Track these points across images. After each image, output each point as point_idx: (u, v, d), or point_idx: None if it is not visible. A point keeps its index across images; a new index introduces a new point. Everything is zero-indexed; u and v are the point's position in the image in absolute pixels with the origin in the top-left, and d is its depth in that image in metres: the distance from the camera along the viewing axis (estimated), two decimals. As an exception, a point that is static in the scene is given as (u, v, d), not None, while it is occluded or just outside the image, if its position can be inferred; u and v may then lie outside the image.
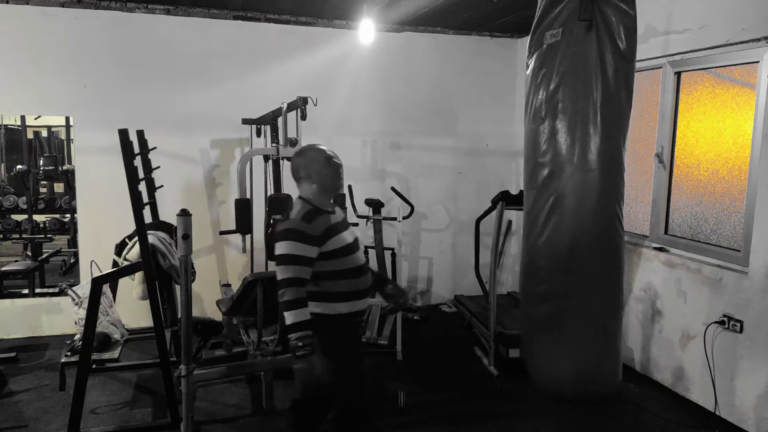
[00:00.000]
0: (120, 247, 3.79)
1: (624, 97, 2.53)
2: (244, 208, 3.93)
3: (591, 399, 3.40)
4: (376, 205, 4.97)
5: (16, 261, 5.11)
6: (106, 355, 3.46)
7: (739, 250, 3.34)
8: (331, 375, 2.21)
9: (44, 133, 5.99)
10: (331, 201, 2.44)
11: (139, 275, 3.52)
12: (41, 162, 5.48)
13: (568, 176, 2.53)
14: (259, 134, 4.71)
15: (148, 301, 3.20)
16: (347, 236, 2.39)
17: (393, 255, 5.02)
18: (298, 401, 2.56)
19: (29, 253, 5.36)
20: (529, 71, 2.67)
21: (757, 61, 3.18)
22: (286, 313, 2.19)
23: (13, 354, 4.17)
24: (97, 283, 3.07)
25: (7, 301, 4.68)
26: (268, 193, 4.43)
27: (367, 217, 4.97)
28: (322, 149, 2.39)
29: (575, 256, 2.56)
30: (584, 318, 2.60)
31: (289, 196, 4.07)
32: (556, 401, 3.47)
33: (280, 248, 2.23)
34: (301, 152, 2.42)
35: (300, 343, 2.15)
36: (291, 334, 2.17)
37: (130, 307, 4.26)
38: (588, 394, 3.01)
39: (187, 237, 2.76)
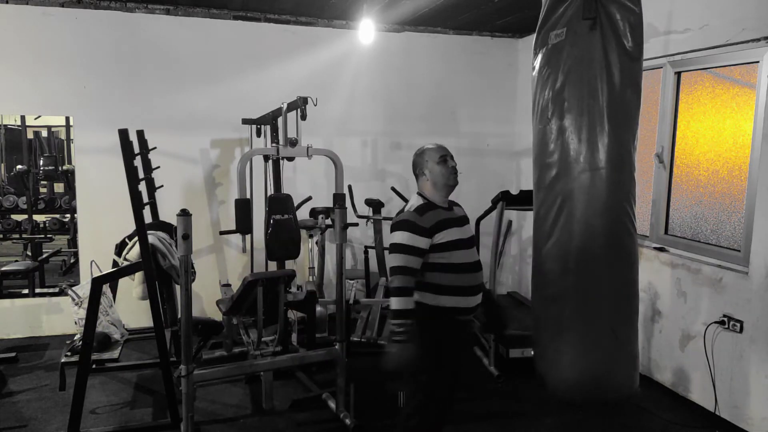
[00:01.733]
0: (120, 247, 3.79)
1: (631, 96, 2.51)
2: (244, 208, 3.93)
3: (602, 404, 3.35)
4: (376, 205, 4.97)
5: (16, 261, 5.10)
6: (106, 355, 3.46)
7: (739, 250, 3.34)
8: (415, 367, 2.30)
9: (44, 133, 5.98)
10: (446, 198, 2.53)
11: (139, 275, 3.52)
12: (41, 162, 5.48)
13: (575, 176, 2.51)
14: (259, 134, 4.71)
15: (148, 301, 3.20)
16: (459, 233, 2.45)
17: (393, 255, 5.02)
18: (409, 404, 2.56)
19: (29, 253, 5.35)
20: (534, 72, 2.66)
21: (757, 61, 3.18)
22: (392, 299, 2.30)
23: (13, 354, 4.18)
24: (97, 283, 3.07)
25: (7, 301, 4.69)
26: (268, 193, 4.43)
27: (367, 217, 4.97)
28: (439, 148, 2.51)
29: (583, 258, 2.54)
30: (593, 321, 2.57)
31: (288, 196, 4.08)
32: (562, 404, 3.47)
33: (394, 238, 2.36)
34: (419, 151, 2.54)
35: (398, 329, 2.26)
36: (394, 319, 2.29)
37: (130, 307, 4.26)
38: (598, 400, 2.99)
39: (187, 237, 2.76)
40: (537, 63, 2.64)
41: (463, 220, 2.55)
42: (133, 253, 3.57)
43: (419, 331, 2.37)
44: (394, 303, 2.29)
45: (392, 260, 2.35)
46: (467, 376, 2.60)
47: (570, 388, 2.66)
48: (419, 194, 2.51)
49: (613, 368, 2.61)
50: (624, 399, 2.97)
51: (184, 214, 2.76)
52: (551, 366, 2.68)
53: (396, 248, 2.34)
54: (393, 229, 2.39)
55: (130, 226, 3.25)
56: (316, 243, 4.73)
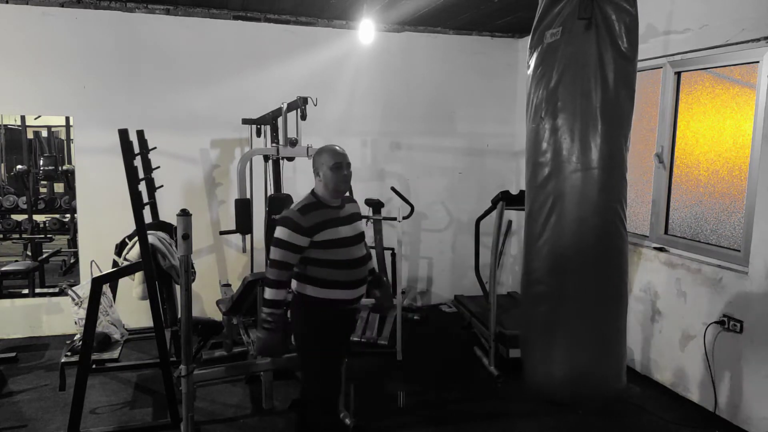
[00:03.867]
0: (120, 247, 3.79)
1: (624, 96, 2.51)
2: (244, 208, 3.93)
3: (589, 404, 3.38)
4: (376, 205, 4.97)
5: (16, 261, 5.10)
6: (106, 355, 3.46)
7: (739, 250, 3.34)
8: (284, 352, 2.63)
9: (44, 133, 5.99)
10: (339, 198, 2.64)
11: (139, 275, 3.52)
12: (41, 162, 5.48)
13: (567, 176, 2.52)
14: (259, 134, 4.71)
15: (148, 301, 3.20)
16: (346, 230, 2.60)
17: (393, 255, 5.02)
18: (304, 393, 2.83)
19: (29, 253, 5.36)
20: (529, 71, 2.67)
21: (757, 61, 3.18)
22: (266, 289, 2.50)
23: (13, 354, 4.18)
24: (97, 283, 3.07)
25: (7, 301, 4.68)
26: (268, 193, 4.43)
27: (367, 217, 4.96)
28: (335, 153, 2.60)
29: (574, 257, 2.55)
30: (580, 319, 2.58)
31: (288, 196, 4.07)
32: (548, 403, 3.48)
33: (276, 233, 2.51)
34: (320, 151, 2.64)
35: (269, 318, 2.48)
36: (265, 308, 2.50)
37: (130, 307, 4.26)
38: (585, 399, 3.00)
39: (187, 237, 2.76)
40: (532, 62, 2.64)
41: (353, 218, 2.68)
42: (133, 253, 3.57)
43: (305, 318, 2.60)
44: (268, 293, 2.48)
45: (271, 253, 2.51)
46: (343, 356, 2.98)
47: (558, 386, 2.67)
48: (312, 192, 2.63)
49: (602, 367, 2.63)
50: (611, 398, 2.97)
51: (184, 214, 2.76)
52: (539, 364, 2.69)
53: (275, 242, 2.49)
54: (277, 224, 2.54)
55: (130, 226, 3.25)
56: (316, 243, 4.72)
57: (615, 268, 2.60)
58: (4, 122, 5.87)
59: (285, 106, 3.97)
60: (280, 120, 4.05)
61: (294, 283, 2.64)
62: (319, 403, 2.69)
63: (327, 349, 2.64)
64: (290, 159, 4.32)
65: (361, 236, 2.69)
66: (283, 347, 2.61)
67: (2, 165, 6.03)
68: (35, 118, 5.58)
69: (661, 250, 3.85)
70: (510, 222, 5.77)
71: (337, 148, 2.63)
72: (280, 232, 2.49)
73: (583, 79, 2.45)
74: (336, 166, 2.56)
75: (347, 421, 3.27)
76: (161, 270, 3.52)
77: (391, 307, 3.12)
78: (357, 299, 2.68)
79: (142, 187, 3.31)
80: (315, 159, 2.63)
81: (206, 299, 4.88)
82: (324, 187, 2.58)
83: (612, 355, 2.65)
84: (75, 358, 3.21)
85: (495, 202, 4.08)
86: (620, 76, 2.47)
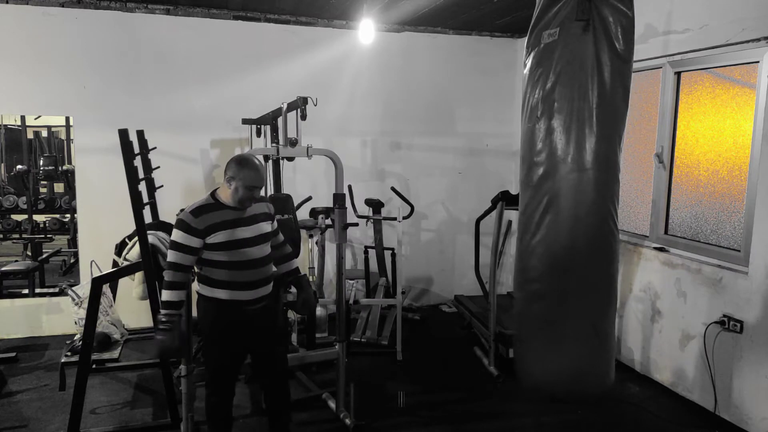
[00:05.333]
0: (120, 247, 3.78)
1: (620, 98, 2.53)
2: (244, 208, 3.91)
3: (580, 399, 3.40)
4: (376, 205, 4.97)
5: (16, 261, 5.10)
6: (106, 355, 3.46)
7: (739, 250, 3.34)
8: (178, 353, 2.67)
9: (44, 133, 5.98)
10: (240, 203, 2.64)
11: (139, 275, 3.52)
12: (41, 162, 5.47)
13: (562, 176, 2.54)
14: (259, 134, 4.71)
15: (148, 301, 3.20)
16: (244, 232, 2.60)
17: (393, 255, 5.03)
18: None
19: (29, 253, 5.35)
20: (526, 70, 2.68)
21: (757, 61, 3.18)
22: (163, 291, 2.55)
23: (13, 354, 4.18)
24: (97, 283, 3.07)
25: (7, 301, 4.68)
26: (268, 193, 4.42)
27: (367, 217, 4.97)
28: (256, 176, 2.58)
29: (569, 256, 2.57)
30: (574, 317, 2.61)
31: (289, 196, 4.07)
32: (547, 402, 3.48)
33: (172, 235, 2.58)
34: (243, 163, 2.59)
35: (164, 319, 2.51)
36: (162, 309, 2.54)
37: (130, 307, 4.26)
38: (577, 394, 3.04)
39: (187, 237, 2.76)
40: (529, 62, 2.65)
41: (256, 219, 2.66)
42: (133, 253, 3.56)
43: (205, 318, 2.64)
44: (164, 295, 2.53)
45: (168, 256, 2.58)
46: (267, 359, 2.85)
47: (552, 382, 2.70)
48: (212, 193, 2.64)
49: (594, 363, 2.66)
50: (602, 392, 3.01)
51: (184, 214, 2.76)
52: (534, 362, 2.72)
53: (171, 245, 2.56)
54: (174, 226, 2.59)
55: (130, 226, 3.25)
56: (316, 243, 4.73)
57: (607, 266, 2.63)
58: (4, 122, 5.86)
59: (285, 106, 3.97)
60: (280, 120, 4.04)
61: (195, 284, 2.69)
62: (212, 391, 2.76)
63: (224, 349, 2.67)
64: (290, 159, 4.32)
65: (264, 236, 2.68)
66: (179, 348, 2.61)
67: (2, 165, 6.03)
68: (35, 118, 5.58)
69: (661, 250, 3.85)
70: (510, 222, 5.77)
71: (260, 169, 2.61)
72: (174, 234, 2.54)
73: (580, 80, 2.46)
74: (251, 187, 2.57)
75: (347, 421, 3.27)
76: (161, 270, 3.52)
77: (309, 311, 3.17)
78: (259, 299, 2.67)
79: (142, 187, 3.31)
80: (234, 167, 2.56)
81: (206, 299, 4.87)
82: (230, 195, 2.58)
83: (604, 351, 2.68)
84: (75, 358, 3.21)
85: (495, 202, 4.08)
86: (617, 77, 2.48)
